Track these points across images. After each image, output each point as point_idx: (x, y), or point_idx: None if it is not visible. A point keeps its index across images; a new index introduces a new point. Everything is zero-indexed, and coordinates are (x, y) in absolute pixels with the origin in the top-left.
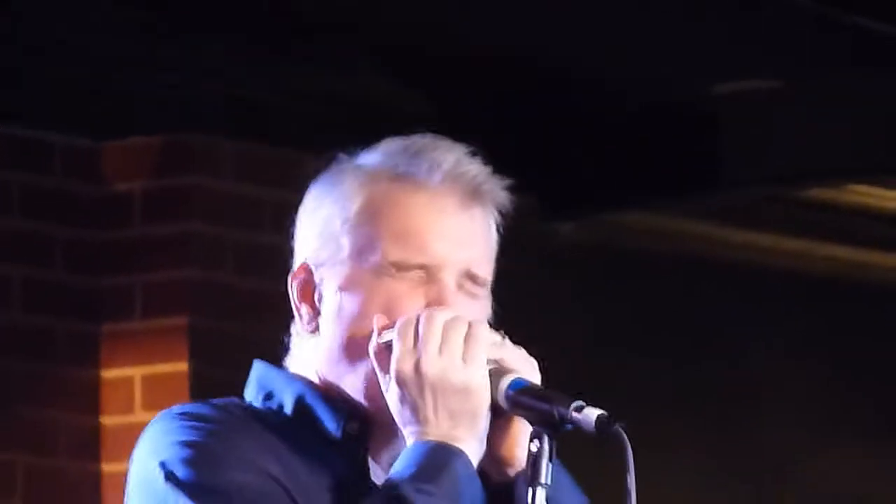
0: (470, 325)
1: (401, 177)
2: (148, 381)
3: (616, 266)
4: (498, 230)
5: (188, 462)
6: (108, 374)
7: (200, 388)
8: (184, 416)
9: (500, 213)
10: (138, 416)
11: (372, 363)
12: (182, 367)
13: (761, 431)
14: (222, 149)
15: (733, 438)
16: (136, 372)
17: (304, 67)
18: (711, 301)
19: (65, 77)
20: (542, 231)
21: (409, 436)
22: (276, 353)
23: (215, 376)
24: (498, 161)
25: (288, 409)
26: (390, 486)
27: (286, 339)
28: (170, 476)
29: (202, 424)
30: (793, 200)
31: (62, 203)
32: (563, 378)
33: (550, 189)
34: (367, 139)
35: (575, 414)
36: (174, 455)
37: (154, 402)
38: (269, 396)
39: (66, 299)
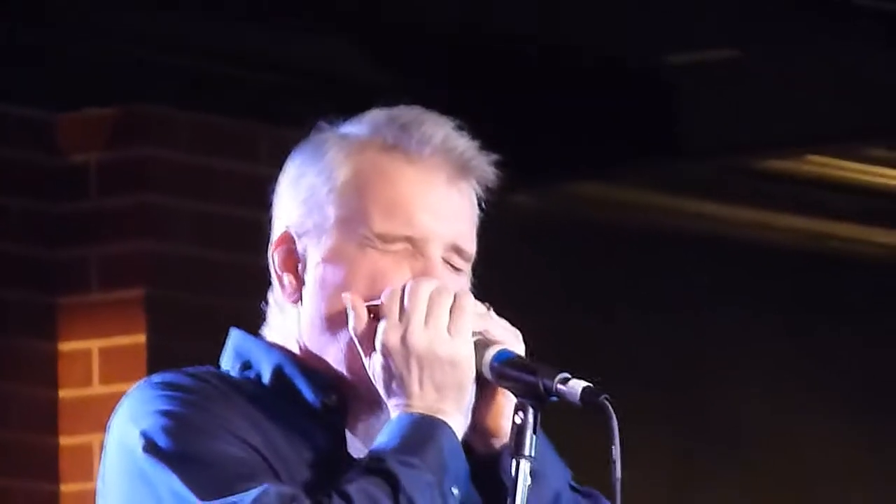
0: (455, 296)
1: (389, 148)
2: (105, 353)
3: (574, 237)
4: (480, 205)
5: (168, 431)
6: (66, 346)
7: (158, 360)
8: (163, 385)
9: (485, 188)
10: (96, 388)
11: (352, 339)
12: (139, 339)
13: (721, 396)
14: (178, 120)
15: (694, 405)
16: (94, 344)
17: (260, 38)
18: (670, 271)
19: (19, 48)
20: (498, 202)
21: (393, 408)
22: (234, 324)
23: (173, 348)
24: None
25: (266, 379)
26: (374, 458)
27: (263, 308)
28: (149, 445)
29: (182, 394)
30: (751, 171)
31: (17, 174)
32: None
33: (508, 160)
34: (325, 109)
35: (560, 386)
36: (154, 424)
37: (112, 375)
38: (246, 366)
39: (22, 271)
